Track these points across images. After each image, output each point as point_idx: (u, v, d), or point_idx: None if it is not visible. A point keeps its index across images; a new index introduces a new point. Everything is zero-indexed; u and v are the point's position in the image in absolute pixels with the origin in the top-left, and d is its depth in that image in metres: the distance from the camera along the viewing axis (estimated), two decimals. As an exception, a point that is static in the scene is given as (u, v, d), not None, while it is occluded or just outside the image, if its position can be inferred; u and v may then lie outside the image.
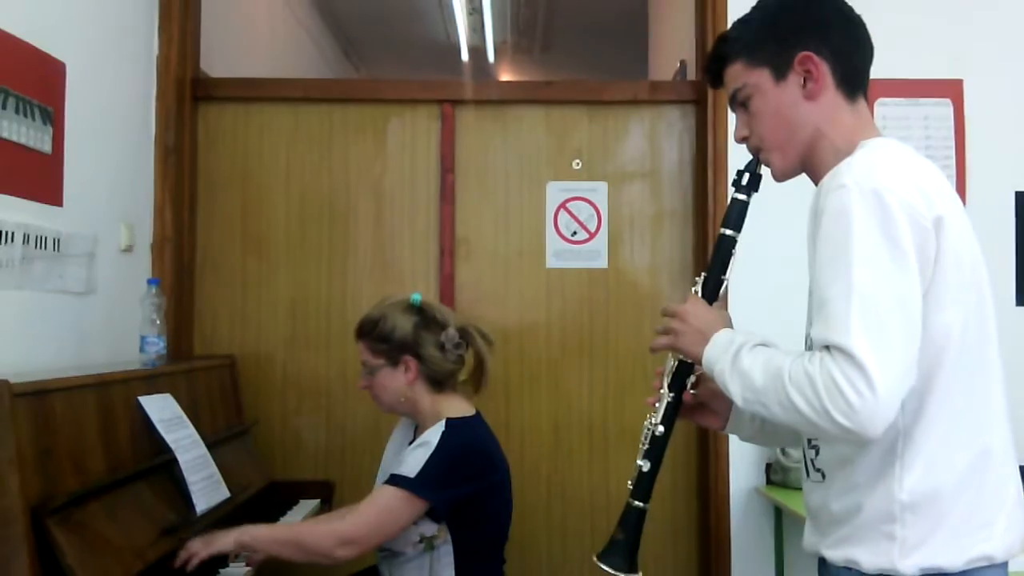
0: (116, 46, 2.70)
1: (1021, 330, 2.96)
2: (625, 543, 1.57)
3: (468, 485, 2.14)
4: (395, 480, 2.09)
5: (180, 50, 2.99)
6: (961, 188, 3.01)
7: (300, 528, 2.19)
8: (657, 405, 1.59)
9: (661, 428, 1.57)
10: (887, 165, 1.35)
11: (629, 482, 1.59)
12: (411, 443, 2.25)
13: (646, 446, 1.58)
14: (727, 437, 2.96)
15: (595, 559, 1.56)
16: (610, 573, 1.53)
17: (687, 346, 1.50)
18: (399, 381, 2.24)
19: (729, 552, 2.98)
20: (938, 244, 1.30)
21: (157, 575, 1.91)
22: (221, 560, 2.07)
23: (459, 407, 2.25)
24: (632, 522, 1.57)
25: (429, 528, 2.14)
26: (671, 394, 1.58)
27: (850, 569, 1.38)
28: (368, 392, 2.31)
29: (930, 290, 1.31)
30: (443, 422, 2.17)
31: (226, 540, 2.03)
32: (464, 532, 2.17)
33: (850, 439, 1.27)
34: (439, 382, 2.25)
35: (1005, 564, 1.38)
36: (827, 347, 1.25)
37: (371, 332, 2.25)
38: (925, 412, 1.33)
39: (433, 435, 2.14)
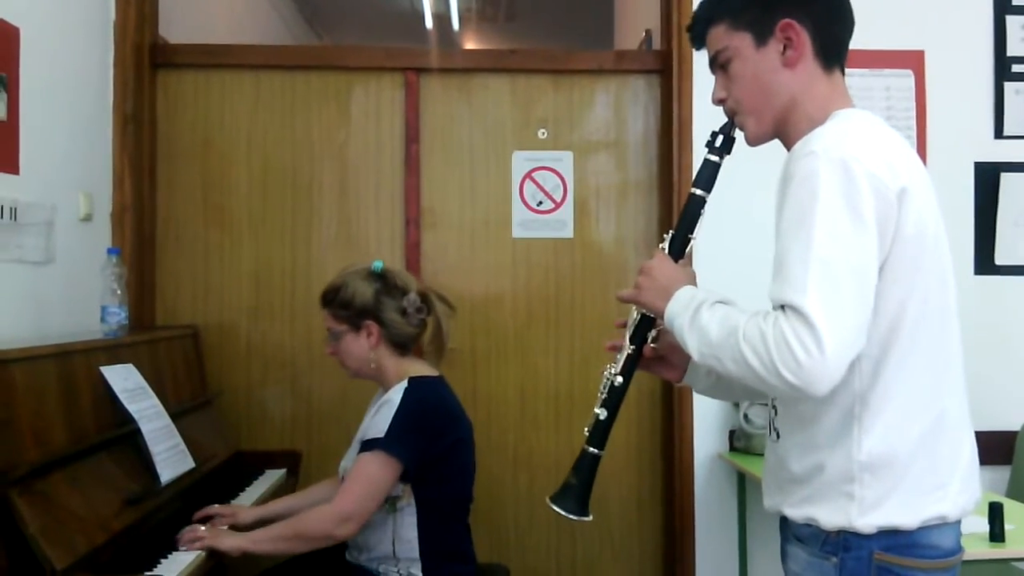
0: (71, 11, 2.64)
1: (979, 299, 3.03)
2: (578, 487, 1.60)
3: (433, 440, 2.18)
4: (369, 445, 2.13)
5: (138, 15, 2.93)
6: (922, 158, 2.98)
7: (297, 521, 2.17)
8: (618, 356, 1.63)
9: (620, 379, 1.61)
10: (856, 135, 1.37)
11: (586, 429, 1.63)
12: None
13: (604, 395, 1.62)
14: (692, 404, 3.00)
15: (548, 501, 1.60)
16: (562, 515, 1.58)
17: (650, 300, 1.53)
18: (362, 346, 2.29)
19: (693, 516, 3.03)
20: (900, 215, 1.33)
21: (122, 545, 1.90)
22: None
23: (423, 369, 2.31)
24: (586, 467, 1.60)
25: (394, 489, 2.17)
26: (632, 346, 1.62)
27: (810, 526, 1.42)
28: (335, 359, 2.35)
29: (890, 260, 1.33)
30: (406, 380, 2.22)
31: (230, 542, 2.05)
32: (428, 492, 2.20)
33: (796, 395, 1.30)
34: (401, 345, 2.31)
35: (958, 523, 1.42)
36: (783, 306, 1.29)
37: (333, 299, 2.31)
38: (882, 378, 1.36)
39: (396, 393, 2.20)
